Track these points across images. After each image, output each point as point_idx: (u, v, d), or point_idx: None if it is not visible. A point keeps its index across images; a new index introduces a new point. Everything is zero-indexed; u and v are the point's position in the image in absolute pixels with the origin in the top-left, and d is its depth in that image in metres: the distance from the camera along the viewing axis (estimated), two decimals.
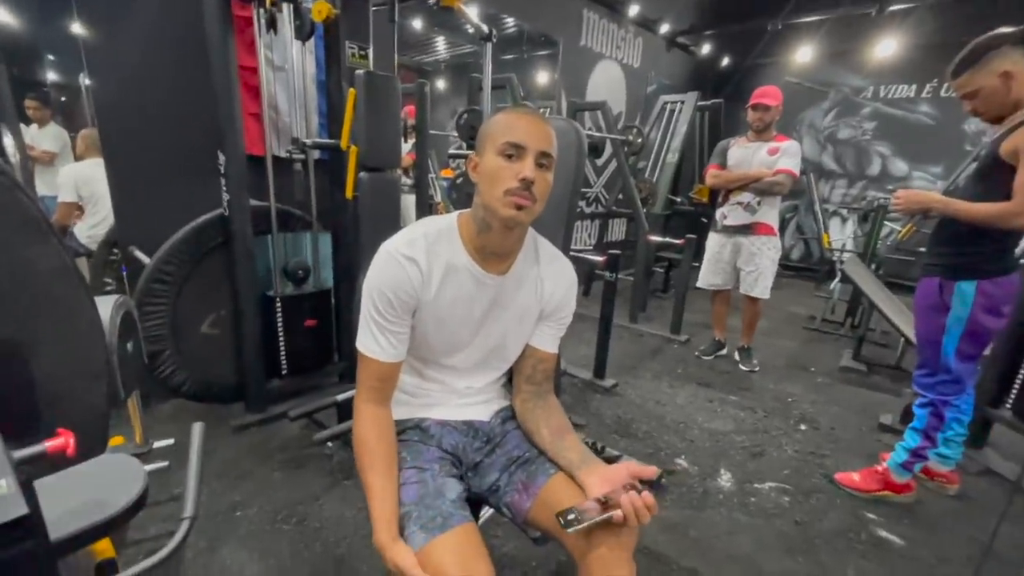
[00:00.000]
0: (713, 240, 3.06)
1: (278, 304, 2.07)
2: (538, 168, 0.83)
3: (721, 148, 3.02)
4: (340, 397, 1.98)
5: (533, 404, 1.03)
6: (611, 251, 2.65)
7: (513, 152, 0.83)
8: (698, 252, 3.47)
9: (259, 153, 2.08)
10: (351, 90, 1.71)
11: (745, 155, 2.88)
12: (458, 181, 2.78)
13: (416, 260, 0.88)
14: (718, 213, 3.03)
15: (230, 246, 1.91)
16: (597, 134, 3.88)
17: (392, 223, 1.76)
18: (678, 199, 4.88)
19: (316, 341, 2.21)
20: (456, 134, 2.99)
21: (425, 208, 2.59)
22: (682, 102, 4.37)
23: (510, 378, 1.11)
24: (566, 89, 4.37)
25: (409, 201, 3.59)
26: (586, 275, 4.54)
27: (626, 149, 3.95)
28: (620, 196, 4.69)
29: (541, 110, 4.32)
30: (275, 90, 2.13)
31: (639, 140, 3.96)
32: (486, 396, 1.07)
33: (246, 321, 1.97)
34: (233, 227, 1.88)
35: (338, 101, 2.10)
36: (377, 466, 0.87)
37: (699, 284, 3.16)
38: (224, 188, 1.85)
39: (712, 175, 2.97)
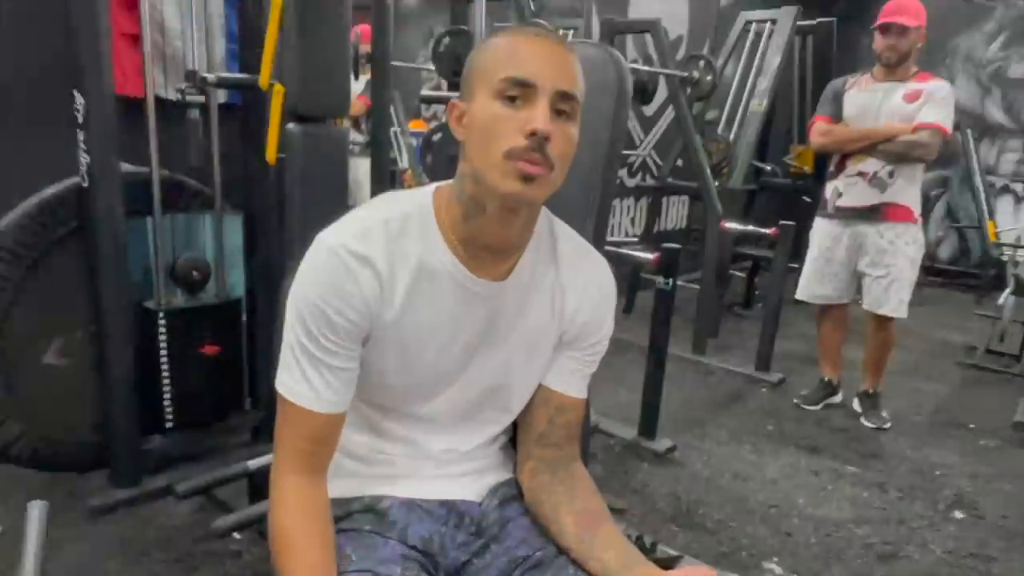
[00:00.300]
0: (822, 230, 3.07)
1: (162, 321, 2.07)
2: (555, 117, 0.83)
3: (833, 92, 3.03)
4: (254, 464, 1.97)
5: (550, 478, 1.01)
6: (666, 245, 2.66)
7: (518, 93, 0.82)
8: (798, 247, 3.48)
9: (136, 94, 2.08)
10: (275, 0, 1.72)
11: (870, 102, 2.89)
12: (435, 137, 2.79)
13: (371, 260, 0.87)
14: (828, 189, 3.05)
15: (89, 233, 1.92)
16: (645, 68, 3.89)
17: (335, 200, 1.76)
18: (767, 167, 4.91)
19: (219, 378, 2.22)
20: (432, 67, 3.00)
21: (386, 178, 2.59)
22: (773, 22, 4.39)
23: (514, 437, 1.10)
24: (599, 2, 4.40)
25: (362, 168, 3.59)
26: (628, 281, 4.56)
27: (689, 92, 3.96)
28: (679, 162, 4.71)
29: (561, 32, 4.36)
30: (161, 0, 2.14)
31: (708, 78, 3.99)
32: (477, 464, 1.06)
33: (112, 347, 1.96)
34: (95, 204, 1.88)
35: (255, 18, 2.09)
36: (304, 572, 0.87)
37: (799, 296, 3.18)
38: (82, 146, 1.85)
39: (820, 132, 2.99)
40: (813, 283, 3.11)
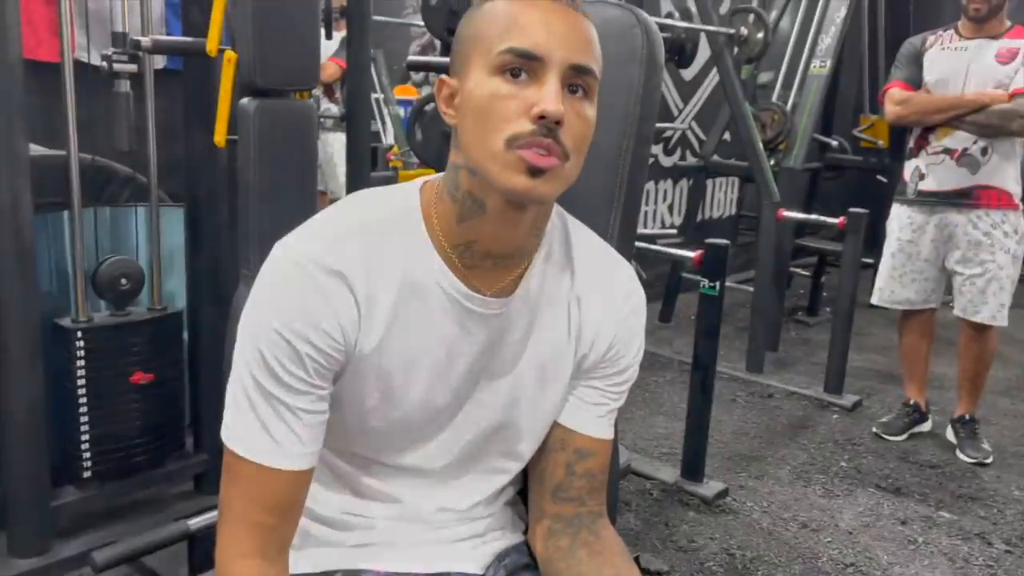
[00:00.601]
0: (901, 219, 3.07)
1: (79, 342, 2.06)
2: (568, 95, 0.83)
3: (911, 52, 3.03)
4: (196, 523, 1.94)
5: (570, 541, 1.01)
6: (711, 241, 2.65)
7: (522, 66, 0.82)
8: (873, 240, 3.47)
9: (50, 59, 2.07)
10: None
11: (955, 64, 2.89)
12: (427, 108, 2.78)
13: (346, 275, 0.87)
14: (908, 169, 3.05)
15: None
16: (682, 24, 3.87)
17: (301, 191, 1.75)
18: (833, 142, 4.89)
19: (152, 413, 2.21)
20: (422, 23, 2.99)
21: (365, 157, 2.58)
22: None
23: (524, 490, 1.10)
24: None
25: (336, 144, 3.59)
26: (666, 283, 4.56)
27: (736, 52, 3.95)
28: (726, 137, 4.70)
29: None
30: None
31: (759, 36, 3.98)
32: (478, 526, 1.06)
33: (14, 376, 1.96)
34: None
35: None
36: None
37: (876, 300, 3.17)
38: None
39: (896, 100, 2.98)
40: (892, 284, 3.10)
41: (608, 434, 1.03)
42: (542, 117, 0.80)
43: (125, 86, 2.11)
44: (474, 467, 1.02)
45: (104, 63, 2.08)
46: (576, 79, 0.83)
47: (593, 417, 1.01)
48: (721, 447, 3.05)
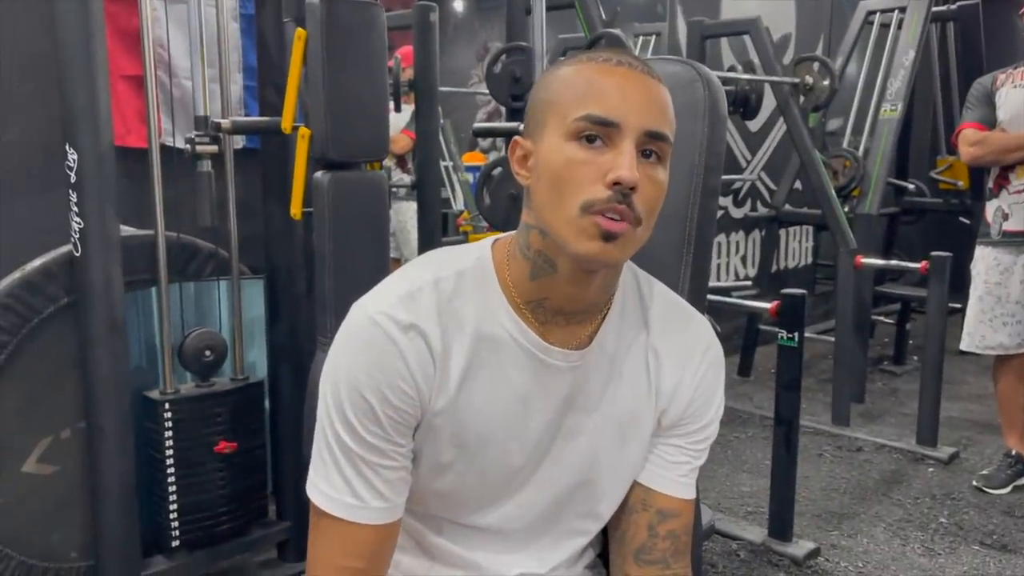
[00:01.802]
0: (987, 260, 3.02)
1: (167, 414, 2.09)
2: (642, 159, 0.84)
3: (981, 92, 3.01)
4: None
5: None
6: (786, 291, 2.61)
7: (598, 133, 0.83)
8: (958, 283, 3.37)
9: (138, 144, 2.16)
10: (298, 31, 1.77)
11: None
12: (494, 172, 2.82)
13: (421, 329, 0.88)
14: (991, 210, 3.00)
15: (81, 310, 1.97)
16: (745, 76, 3.88)
17: (375, 259, 1.78)
18: (909, 185, 4.80)
19: (236, 482, 2.22)
20: (487, 92, 3.06)
21: (436, 223, 2.62)
22: (902, 10, 4.35)
23: (604, 552, 1.09)
24: (684, 2, 4.43)
25: (408, 212, 3.67)
26: (743, 337, 4.52)
27: (802, 100, 3.94)
28: (797, 185, 4.65)
29: (641, 40, 4.41)
30: (167, 35, 2.23)
31: (825, 83, 3.97)
32: None
33: (106, 448, 1.98)
34: (88, 275, 1.92)
35: (276, 51, 2.17)
36: None
37: (965, 347, 3.10)
38: (74, 208, 1.91)
39: (970, 141, 2.96)
40: (983, 329, 3.03)
41: (690, 493, 1.01)
42: (617, 183, 0.81)
43: (207, 166, 2.17)
44: (553, 528, 1.01)
45: (187, 145, 2.15)
46: (650, 144, 0.84)
47: (675, 476, 1.00)
48: (809, 504, 2.95)
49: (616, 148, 0.82)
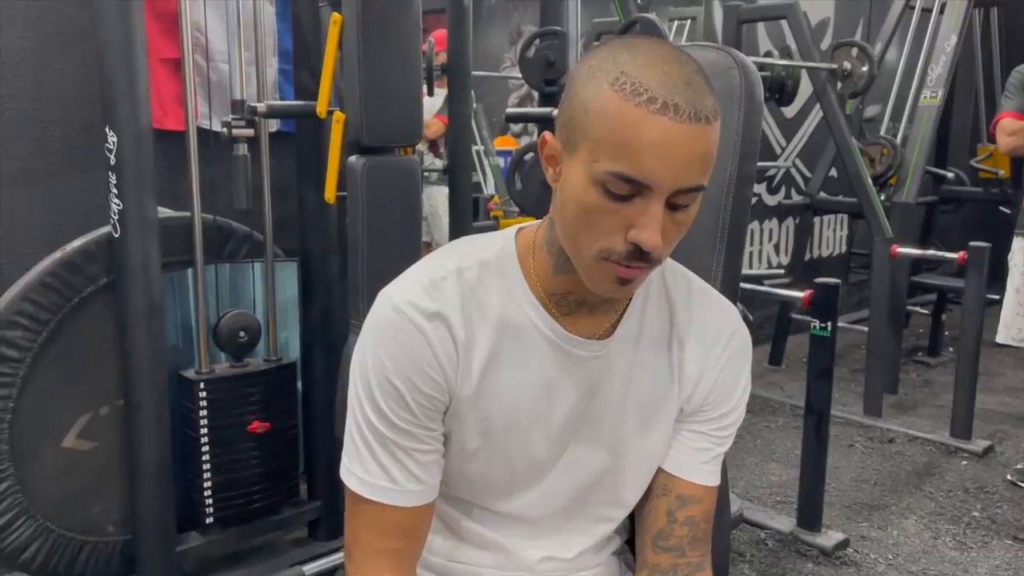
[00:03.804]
0: (1023, 252, 2.97)
1: (202, 393, 2.12)
2: (670, 212, 0.80)
3: (1021, 81, 2.97)
4: (311, 569, 1.98)
5: None
6: (820, 280, 2.59)
7: (627, 193, 0.78)
8: (997, 274, 3.32)
9: (175, 127, 2.19)
10: (334, 15, 1.77)
11: None
12: (526, 157, 2.81)
13: (445, 318, 0.88)
14: None
15: (120, 290, 1.97)
16: (782, 62, 3.84)
17: (408, 243, 1.78)
18: (948, 174, 4.73)
19: (269, 461, 2.25)
20: (520, 76, 3.05)
21: (468, 208, 2.62)
22: None
23: (631, 538, 1.08)
24: None
25: (439, 197, 3.67)
26: (775, 325, 4.50)
27: (839, 86, 3.88)
28: (832, 173, 4.59)
29: (676, 25, 4.36)
30: (204, 19, 2.25)
31: (864, 69, 3.91)
32: (584, 575, 1.04)
33: (144, 425, 1.99)
34: (127, 257, 1.93)
35: (312, 35, 2.18)
36: None
37: (1001, 339, 3.07)
38: (113, 190, 1.94)
39: (1009, 131, 2.93)
40: (1020, 321, 2.99)
41: (713, 481, 1.00)
42: (638, 245, 0.78)
43: (243, 149, 2.19)
44: (579, 515, 1.01)
45: (224, 129, 2.18)
46: (682, 199, 0.79)
47: (697, 462, 0.99)
48: (839, 495, 2.93)
49: (644, 201, 0.78)
